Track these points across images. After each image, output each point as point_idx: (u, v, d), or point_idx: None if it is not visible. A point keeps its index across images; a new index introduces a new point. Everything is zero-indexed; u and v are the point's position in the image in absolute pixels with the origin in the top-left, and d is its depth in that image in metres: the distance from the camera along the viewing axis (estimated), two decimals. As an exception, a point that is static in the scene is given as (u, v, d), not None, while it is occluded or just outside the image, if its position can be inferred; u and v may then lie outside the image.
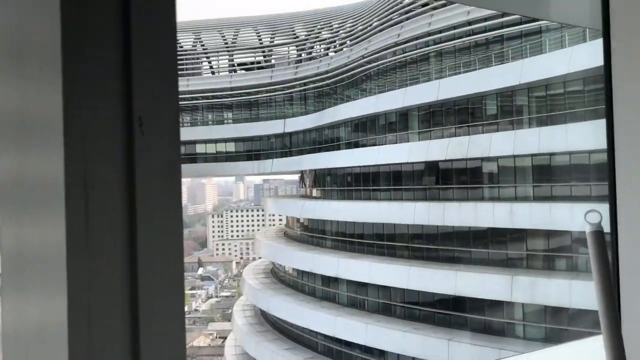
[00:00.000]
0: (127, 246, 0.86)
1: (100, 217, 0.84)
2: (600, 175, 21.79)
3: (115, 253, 0.85)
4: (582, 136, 21.47)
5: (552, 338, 21.75)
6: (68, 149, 0.82)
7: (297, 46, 45.84)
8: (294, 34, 46.95)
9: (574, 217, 21.50)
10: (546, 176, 23.89)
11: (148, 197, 0.89)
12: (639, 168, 2.20)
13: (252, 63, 46.50)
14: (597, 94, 21.64)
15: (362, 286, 30.00)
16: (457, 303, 25.18)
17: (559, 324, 22.12)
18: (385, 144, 31.45)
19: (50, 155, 0.84)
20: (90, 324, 0.81)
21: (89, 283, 0.82)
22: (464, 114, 27.24)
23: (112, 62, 0.86)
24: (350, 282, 30.85)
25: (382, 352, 27.52)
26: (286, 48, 46.98)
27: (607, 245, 1.61)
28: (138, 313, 0.85)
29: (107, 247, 0.85)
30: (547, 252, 23.64)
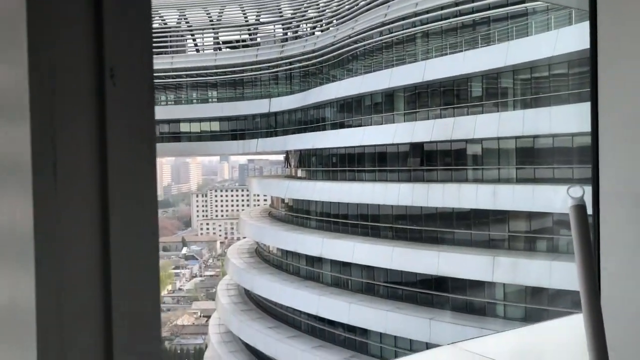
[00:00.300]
0: (100, 217, 0.79)
1: (70, 186, 0.77)
2: (582, 158, 22.03)
3: (86, 225, 0.78)
4: (566, 119, 21.64)
5: (532, 318, 22.13)
6: (34, 106, 0.74)
7: (283, 25, 45.43)
8: (280, 12, 46.47)
9: (556, 199, 21.75)
10: (529, 158, 24.09)
11: (121, 157, 0.81)
12: (623, 149, 2.22)
13: (238, 41, 46.03)
14: (581, 77, 21.77)
15: (346, 266, 30.21)
16: (440, 283, 25.48)
17: (538, 304, 22.50)
18: (371, 125, 31.45)
19: (16, 118, 0.76)
20: (61, 308, 0.74)
21: (58, 261, 0.75)
22: (449, 95, 27.29)
23: (81, 5, 0.78)
24: (334, 262, 31.04)
25: (364, 331, 27.83)
26: (272, 26, 46.55)
27: (588, 220, 1.63)
28: (111, 293, 0.79)
29: (78, 221, 0.77)
30: (529, 234, 23.94)
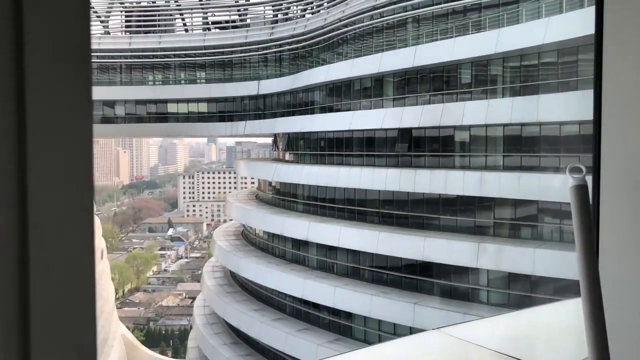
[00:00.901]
0: (16, 197, 0.62)
1: None
2: (569, 146, 22.17)
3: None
4: (554, 107, 21.73)
5: (515, 304, 22.39)
6: None
7: (273, 6, 44.98)
8: (271, -6, 46.03)
9: (541, 186, 21.92)
10: (517, 146, 24.22)
11: (43, 102, 0.62)
12: (626, 135, 2.17)
13: (227, 22, 45.56)
14: (570, 65, 21.84)
15: (332, 250, 30.32)
16: (425, 268, 25.67)
17: (522, 291, 22.76)
18: (360, 110, 31.40)
19: None
20: None
21: None
22: (438, 81, 27.27)
23: None
24: (320, 246, 31.14)
25: (349, 315, 28.03)
26: (262, 7, 46.08)
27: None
28: (29, 296, 0.62)
29: None
30: (514, 221, 24.14)
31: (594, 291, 1.50)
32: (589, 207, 1.56)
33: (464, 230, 25.16)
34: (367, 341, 26.95)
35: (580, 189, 1.53)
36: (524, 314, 3.29)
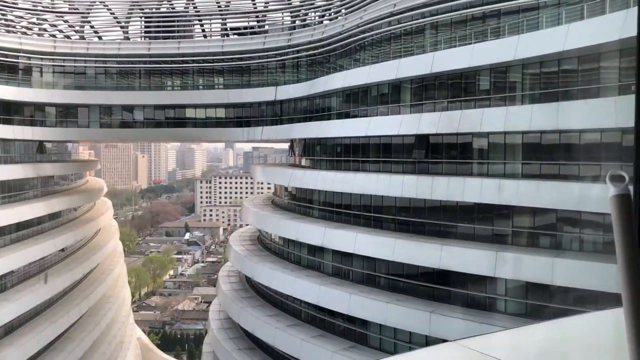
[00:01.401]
0: None
1: None
2: (590, 155, 21.86)
3: None
4: (574, 115, 21.44)
5: (533, 314, 22.09)
6: None
7: (291, 12, 45.16)
8: (289, 0, 46.21)
9: (561, 195, 21.62)
10: (536, 154, 23.94)
11: None
12: None
13: (245, 28, 45.81)
14: (591, 73, 21.56)
15: (347, 256, 30.22)
16: (441, 276, 25.45)
17: (540, 301, 22.44)
18: (377, 116, 31.32)
19: None
20: None
21: None
22: (456, 88, 27.09)
23: None
24: (335, 252, 31.05)
25: (364, 322, 27.87)
26: (280, 14, 46.27)
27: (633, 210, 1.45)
28: None
29: None
30: (533, 229, 23.83)
31: (638, 304, 1.40)
32: (632, 218, 1.45)
33: (482, 238, 24.90)
34: (383, 349, 26.77)
35: (623, 198, 1.43)
36: (553, 326, 3.04)
